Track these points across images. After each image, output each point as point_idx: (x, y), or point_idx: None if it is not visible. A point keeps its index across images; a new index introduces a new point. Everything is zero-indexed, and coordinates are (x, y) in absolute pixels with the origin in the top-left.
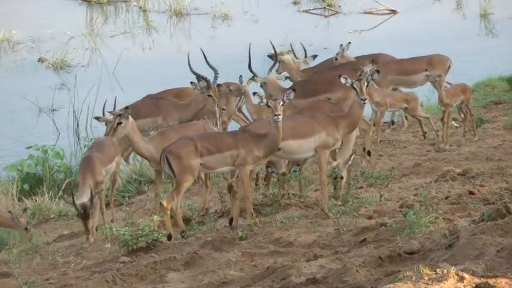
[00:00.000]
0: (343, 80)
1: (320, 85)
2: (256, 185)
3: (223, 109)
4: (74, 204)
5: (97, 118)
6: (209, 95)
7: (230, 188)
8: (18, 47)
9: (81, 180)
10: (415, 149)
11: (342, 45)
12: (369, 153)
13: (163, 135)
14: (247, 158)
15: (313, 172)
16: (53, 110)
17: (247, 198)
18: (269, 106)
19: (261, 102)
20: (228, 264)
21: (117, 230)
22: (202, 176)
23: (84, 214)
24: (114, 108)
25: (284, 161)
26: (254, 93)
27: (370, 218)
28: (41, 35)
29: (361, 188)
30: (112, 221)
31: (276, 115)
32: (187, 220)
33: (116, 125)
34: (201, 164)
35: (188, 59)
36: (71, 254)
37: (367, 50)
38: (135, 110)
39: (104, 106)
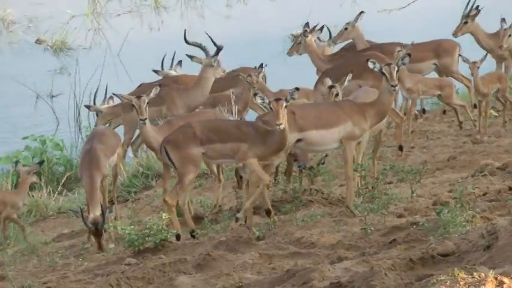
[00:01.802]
0: (371, 65)
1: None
2: (275, 179)
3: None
4: (84, 222)
5: (87, 107)
6: (212, 65)
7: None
8: (14, 27)
9: (88, 181)
10: (450, 141)
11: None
12: (400, 148)
13: (171, 124)
14: (248, 153)
15: (338, 166)
16: (52, 96)
17: (262, 191)
18: (271, 109)
19: (263, 102)
20: (244, 267)
21: (122, 229)
22: (215, 169)
23: (96, 231)
24: (105, 97)
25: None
26: (255, 94)
27: (400, 216)
28: (39, 14)
29: (390, 183)
30: (116, 219)
31: (277, 124)
32: (199, 218)
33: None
34: (203, 153)
35: (185, 33)
36: (71, 255)
37: (396, 31)
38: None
39: (95, 94)
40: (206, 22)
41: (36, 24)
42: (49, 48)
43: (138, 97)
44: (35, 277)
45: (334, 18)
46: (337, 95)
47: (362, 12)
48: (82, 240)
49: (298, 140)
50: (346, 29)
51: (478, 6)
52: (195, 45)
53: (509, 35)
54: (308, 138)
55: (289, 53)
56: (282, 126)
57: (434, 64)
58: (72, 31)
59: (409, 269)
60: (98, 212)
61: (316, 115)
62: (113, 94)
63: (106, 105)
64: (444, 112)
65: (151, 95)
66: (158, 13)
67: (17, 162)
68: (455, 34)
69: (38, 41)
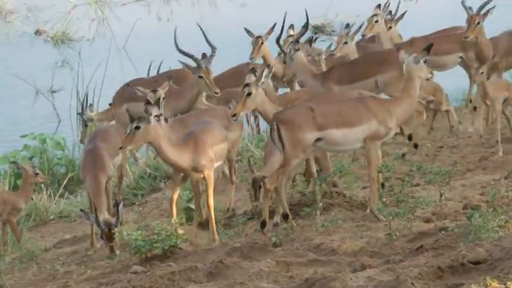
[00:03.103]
0: (402, 55)
1: (368, 66)
2: (293, 181)
3: (216, 93)
4: (97, 223)
5: (81, 114)
6: (200, 76)
7: (262, 183)
8: (12, 17)
9: (92, 183)
10: (482, 140)
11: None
12: (415, 146)
13: (183, 122)
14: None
15: (361, 166)
16: (53, 91)
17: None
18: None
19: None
20: (260, 275)
21: (128, 235)
22: (227, 170)
23: (109, 233)
24: (85, 105)
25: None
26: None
27: (428, 221)
28: (39, 3)
29: (417, 185)
30: (121, 224)
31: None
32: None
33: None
34: (319, 139)
35: (175, 35)
36: (73, 262)
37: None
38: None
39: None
40: (219, 12)
41: (35, 14)
42: (49, 40)
43: (154, 91)
44: (35, 286)
45: (356, 8)
46: None
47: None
48: (85, 246)
49: (318, 140)
50: (376, 21)
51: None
52: (187, 56)
53: (345, 42)
54: (329, 137)
55: (253, 58)
56: (236, 118)
57: (461, 57)
58: (75, 21)
59: (437, 278)
60: (106, 215)
61: (339, 112)
62: (128, 85)
63: (95, 113)
64: (475, 109)
65: (164, 90)
66: (167, 2)
67: (14, 163)
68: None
69: (38, 32)
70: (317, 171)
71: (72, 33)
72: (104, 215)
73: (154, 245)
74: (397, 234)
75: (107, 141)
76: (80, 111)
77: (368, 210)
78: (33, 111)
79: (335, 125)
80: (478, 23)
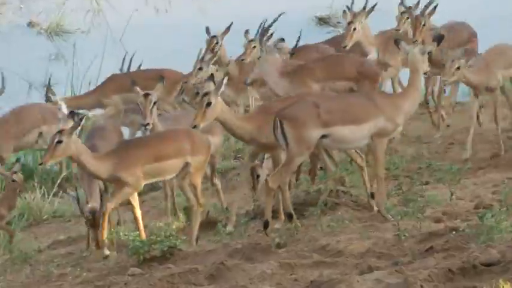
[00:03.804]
0: (404, 46)
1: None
2: (297, 180)
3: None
4: (78, 205)
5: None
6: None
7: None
8: (3, 8)
9: (86, 178)
10: (494, 136)
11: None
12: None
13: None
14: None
15: (368, 164)
16: (46, 85)
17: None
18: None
19: None
20: (262, 278)
21: (125, 235)
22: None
23: (94, 221)
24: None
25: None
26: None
27: (438, 221)
28: None
29: (427, 183)
30: (118, 224)
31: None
32: (212, 223)
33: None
34: (324, 136)
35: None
36: (69, 264)
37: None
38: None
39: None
40: (220, 3)
41: (28, 5)
42: (43, 32)
43: (146, 95)
44: None
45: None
46: None
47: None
48: (80, 247)
49: (323, 137)
50: (405, 16)
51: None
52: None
53: (254, 47)
54: (336, 134)
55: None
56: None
57: None
58: (69, 13)
59: (447, 281)
60: (96, 202)
61: (344, 108)
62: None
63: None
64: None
65: (157, 92)
66: None
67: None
68: None
69: (31, 24)
70: (320, 168)
71: (66, 25)
72: (93, 203)
73: (153, 246)
74: (406, 234)
75: (105, 139)
76: (45, 98)
77: (375, 209)
78: None
79: (341, 122)
80: (424, 25)
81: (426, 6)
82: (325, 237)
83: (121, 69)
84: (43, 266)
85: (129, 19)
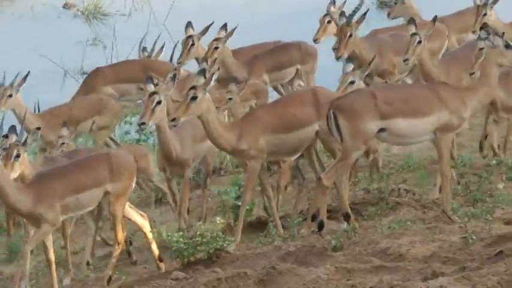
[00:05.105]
0: (483, 35)
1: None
2: (355, 177)
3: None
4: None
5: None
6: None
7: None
8: None
9: None
10: None
11: None
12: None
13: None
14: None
15: (432, 161)
16: (83, 73)
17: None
18: None
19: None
20: (317, 283)
21: (168, 236)
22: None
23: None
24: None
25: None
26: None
27: (508, 223)
28: None
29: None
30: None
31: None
32: (262, 223)
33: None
34: (382, 129)
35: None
36: (106, 267)
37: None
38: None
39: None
40: None
41: None
42: (80, 15)
43: (151, 94)
44: None
45: None
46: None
47: None
48: None
49: (381, 130)
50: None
51: None
52: None
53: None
54: (395, 127)
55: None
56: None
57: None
58: None
59: None
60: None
61: (405, 99)
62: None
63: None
64: None
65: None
66: None
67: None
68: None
69: (67, 6)
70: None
71: (105, 7)
72: None
73: (198, 248)
74: (474, 237)
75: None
76: None
77: (440, 211)
78: (61, 94)
79: (401, 114)
80: (351, 35)
81: (352, 15)
82: (385, 240)
83: (149, 55)
84: (78, 269)
85: (173, 1)
